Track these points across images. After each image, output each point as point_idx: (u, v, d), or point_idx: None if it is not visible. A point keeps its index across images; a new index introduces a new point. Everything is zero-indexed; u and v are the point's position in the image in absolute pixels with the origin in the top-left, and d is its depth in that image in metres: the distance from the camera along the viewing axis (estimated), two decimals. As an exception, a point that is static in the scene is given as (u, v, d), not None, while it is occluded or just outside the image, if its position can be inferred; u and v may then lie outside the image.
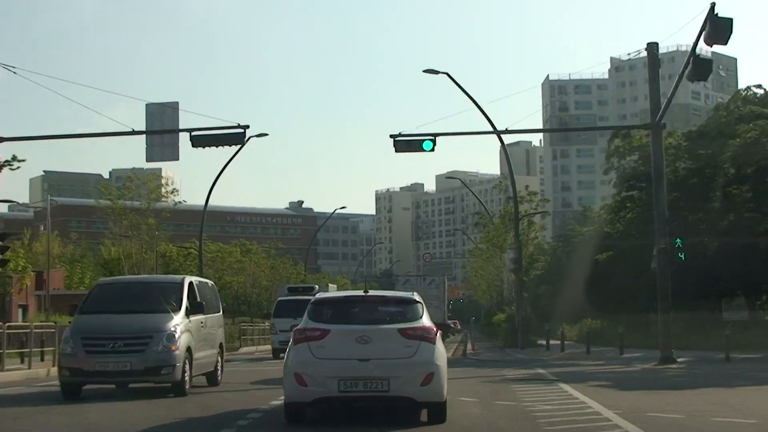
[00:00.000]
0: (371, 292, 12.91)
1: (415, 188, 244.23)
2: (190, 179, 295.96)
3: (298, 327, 12.48)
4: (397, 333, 12.05)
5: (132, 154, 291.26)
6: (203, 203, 54.93)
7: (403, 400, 11.98)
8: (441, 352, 12.39)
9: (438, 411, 12.34)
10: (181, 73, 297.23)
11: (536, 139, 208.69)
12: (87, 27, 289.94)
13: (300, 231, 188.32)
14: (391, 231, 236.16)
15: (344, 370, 11.79)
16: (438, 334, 12.54)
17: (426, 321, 12.42)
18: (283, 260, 73.54)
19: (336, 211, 77.86)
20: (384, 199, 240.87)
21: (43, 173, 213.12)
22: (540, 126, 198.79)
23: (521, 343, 37.48)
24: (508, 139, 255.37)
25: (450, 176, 64.21)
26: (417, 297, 12.88)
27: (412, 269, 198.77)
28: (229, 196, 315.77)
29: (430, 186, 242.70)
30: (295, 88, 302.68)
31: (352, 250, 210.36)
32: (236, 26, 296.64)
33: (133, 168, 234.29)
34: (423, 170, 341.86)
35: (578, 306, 55.20)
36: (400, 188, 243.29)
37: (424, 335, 12.14)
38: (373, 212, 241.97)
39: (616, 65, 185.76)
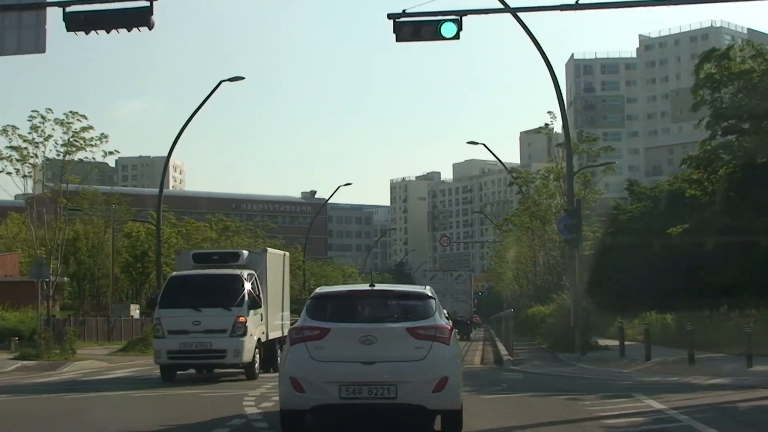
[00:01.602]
0: (378, 286, 11.50)
1: (432, 177, 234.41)
2: (199, 167, 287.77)
3: (295, 325, 11.13)
4: (405, 332, 10.60)
5: (139, 143, 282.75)
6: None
7: (412, 408, 10.50)
8: (456, 353, 10.96)
9: (453, 419, 10.76)
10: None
11: (558, 126, 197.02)
12: None
13: (309, 219, 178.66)
14: (406, 221, 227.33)
15: (346, 374, 10.39)
16: (453, 334, 10.87)
17: (439, 318, 10.83)
18: (273, 242, 62.24)
19: (339, 188, 66.83)
20: (399, 188, 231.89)
21: (45, 159, 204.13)
22: (566, 105, 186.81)
23: (580, 346, 26.30)
24: (527, 125, 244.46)
25: (472, 142, 51.54)
26: (429, 291, 11.36)
27: (428, 260, 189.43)
28: (240, 186, 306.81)
29: (447, 175, 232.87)
30: (310, 72, 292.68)
31: (366, 242, 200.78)
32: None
33: (140, 156, 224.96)
34: (439, 160, 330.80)
35: (634, 296, 44.56)
36: (416, 177, 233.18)
37: (437, 335, 10.60)
38: (388, 203, 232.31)
39: (646, 44, 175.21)
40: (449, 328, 10.83)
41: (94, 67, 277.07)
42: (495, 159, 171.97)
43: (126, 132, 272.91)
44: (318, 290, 11.95)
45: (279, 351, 22.20)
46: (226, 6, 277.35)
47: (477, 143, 52.75)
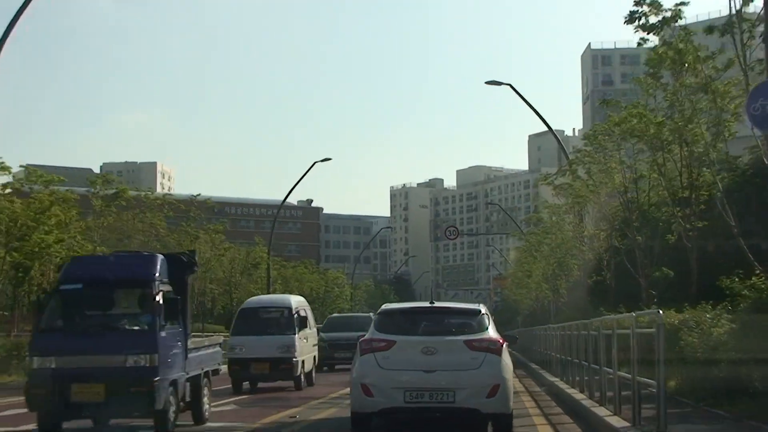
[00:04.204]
0: (437, 304, 13.30)
1: (434, 184, 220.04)
2: (187, 173, 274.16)
3: (364, 338, 12.57)
4: (462, 344, 12.14)
5: (124, 148, 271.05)
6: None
7: (468, 412, 12.00)
8: (507, 364, 12.29)
9: (504, 423, 12.25)
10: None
11: (569, 128, 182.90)
12: None
13: (301, 225, 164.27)
14: (407, 231, 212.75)
15: (410, 381, 11.91)
16: (504, 346, 12.35)
17: (492, 333, 12.41)
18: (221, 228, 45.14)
19: (316, 164, 50.53)
20: (399, 195, 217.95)
21: (21, 168, 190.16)
22: (580, 97, 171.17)
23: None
24: (539, 126, 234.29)
25: (493, 82, 35.81)
26: (483, 309, 12.89)
27: (429, 270, 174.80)
28: (231, 191, 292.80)
29: (450, 182, 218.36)
30: (308, 77, 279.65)
31: (365, 253, 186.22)
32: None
33: (126, 162, 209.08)
34: (443, 166, 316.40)
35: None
36: (418, 184, 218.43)
37: (490, 347, 12.15)
38: (388, 212, 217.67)
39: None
40: (501, 341, 12.32)
41: (89, 75, 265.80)
42: (500, 167, 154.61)
43: (107, 132, 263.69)
44: (384, 307, 13.39)
45: None
46: (217, 8, 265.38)
47: (501, 83, 38.16)
